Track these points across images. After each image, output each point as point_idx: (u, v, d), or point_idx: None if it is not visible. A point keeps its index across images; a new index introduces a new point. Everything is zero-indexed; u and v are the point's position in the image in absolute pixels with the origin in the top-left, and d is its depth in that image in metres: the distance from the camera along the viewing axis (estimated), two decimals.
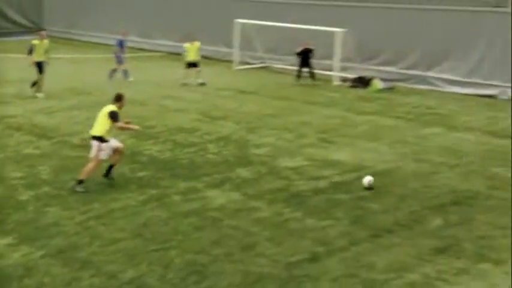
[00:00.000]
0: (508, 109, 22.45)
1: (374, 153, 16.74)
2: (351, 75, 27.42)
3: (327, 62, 27.53)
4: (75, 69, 29.45)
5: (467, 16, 26.03)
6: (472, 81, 25.79)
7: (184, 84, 25.69)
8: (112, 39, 29.05)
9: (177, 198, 13.00)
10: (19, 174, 14.23)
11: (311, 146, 17.32)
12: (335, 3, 29.47)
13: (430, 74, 26.94)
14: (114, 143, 13.38)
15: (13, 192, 13.13)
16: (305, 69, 27.07)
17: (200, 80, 25.92)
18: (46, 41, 23.11)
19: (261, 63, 31.32)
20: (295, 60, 27.46)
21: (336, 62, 27.58)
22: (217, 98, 23.62)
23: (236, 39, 30.60)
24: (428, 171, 15.29)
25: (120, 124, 13.22)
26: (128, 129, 13.88)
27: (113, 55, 27.25)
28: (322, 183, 14.17)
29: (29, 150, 16.17)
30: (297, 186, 13.93)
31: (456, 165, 15.86)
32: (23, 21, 41.55)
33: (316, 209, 12.59)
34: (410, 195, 13.53)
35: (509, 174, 15.07)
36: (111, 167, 13.58)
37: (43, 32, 23.92)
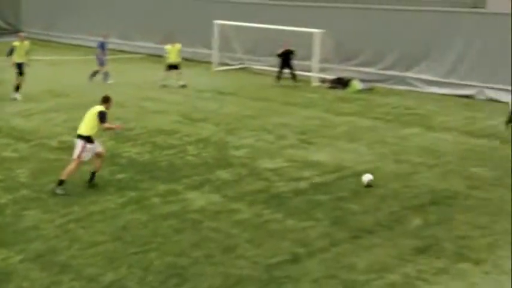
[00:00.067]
0: (486, 109, 22.63)
1: (353, 153, 16.79)
2: (330, 76, 27.49)
3: (306, 63, 27.57)
4: (53, 71, 29.26)
5: (445, 17, 26.21)
6: (450, 81, 25.96)
7: (164, 86, 25.61)
8: (91, 41, 28.96)
9: (156, 200, 12.95)
10: None
11: (291, 147, 17.33)
12: (313, 4, 29.53)
13: (408, 74, 27.07)
14: (97, 147, 13.43)
15: None
16: (286, 71, 27.09)
17: (181, 82, 25.85)
18: (27, 43, 23.11)
19: (240, 64, 31.31)
20: (275, 61, 27.48)
21: (315, 63, 27.63)
22: (197, 99, 23.57)
23: (215, 41, 30.57)
24: (407, 172, 15.36)
25: (107, 125, 13.34)
26: (113, 129, 13.98)
27: (94, 57, 27.13)
28: (302, 184, 14.19)
29: (6, 153, 16.03)
30: (277, 188, 13.94)
31: (435, 165, 15.96)
32: (0, 23, 41.22)
33: (296, 210, 12.60)
34: (390, 196, 13.58)
35: (488, 174, 15.19)
36: (93, 173, 13.56)
37: (22, 34, 23.85)
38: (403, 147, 17.57)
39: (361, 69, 27.86)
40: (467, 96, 25.28)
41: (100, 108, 13.30)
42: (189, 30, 31.72)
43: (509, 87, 22.78)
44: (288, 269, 10.07)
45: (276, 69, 27.35)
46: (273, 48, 27.51)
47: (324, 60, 27.64)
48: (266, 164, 15.65)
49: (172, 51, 26.31)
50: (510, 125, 15.95)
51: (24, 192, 13.23)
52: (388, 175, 15.00)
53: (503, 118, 17.24)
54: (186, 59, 28.03)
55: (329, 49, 27.57)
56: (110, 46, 29.39)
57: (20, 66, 22.62)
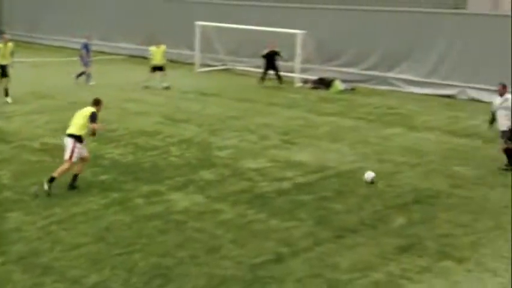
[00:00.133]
0: (468, 109, 22.76)
1: (336, 153, 16.82)
2: (312, 77, 27.54)
3: (288, 63, 27.59)
4: (36, 73, 29.10)
5: (427, 17, 26.34)
6: (432, 81, 26.08)
7: (146, 87, 25.53)
8: (73, 43, 28.83)
9: (140, 201, 12.91)
10: None
11: (274, 147, 17.34)
12: (295, 5, 29.57)
13: (390, 74, 27.17)
14: (84, 151, 13.54)
15: None
16: (271, 72, 27.09)
17: (165, 84, 25.78)
18: (10, 44, 22.99)
19: (223, 65, 31.29)
20: (258, 62, 27.49)
21: (297, 64, 27.68)
22: (180, 100, 23.53)
23: (197, 42, 30.54)
24: (390, 171, 15.41)
25: (96, 126, 13.49)
26: (99, 129, 13.98)
27: (78, 58, 27.04)
28: (285, 184, 14.20)
29: None
30: (260, 188, 13.94)
31: (418, 164, 16.03)
32: None
33: (280, 210, 12.61)
34: (373, 195, 13.62)
35: (470, 173, 15.27)
36: (75, 176, 13.51)
37: (6, 35, 23.74)
38: (386, 147, 17.63)
39: (343, 69, 27.94)
40: (449, 96, 25.42)
41: (92, 109, 13.57)
42: (171, 32, 31.63)
43: (491, 87, 22.89)
44: (272, 269, 10.08)
45: (259, 70, 27.36)
46: (255, 49, 27.54)
47: (306, 60, 27.70)
48: (249, 164, 15.65)
49: (157, 53, 26.23)
50: (493, 124, 16.04)
51: (6, 194, 13.14)
52: None
53: (486, 117, 17.33)
54: (169, 60, 27.98)
55: (311, 50, 27.63)
56: (92, 47, 29.27)
57: (3, 68, 22.49)
